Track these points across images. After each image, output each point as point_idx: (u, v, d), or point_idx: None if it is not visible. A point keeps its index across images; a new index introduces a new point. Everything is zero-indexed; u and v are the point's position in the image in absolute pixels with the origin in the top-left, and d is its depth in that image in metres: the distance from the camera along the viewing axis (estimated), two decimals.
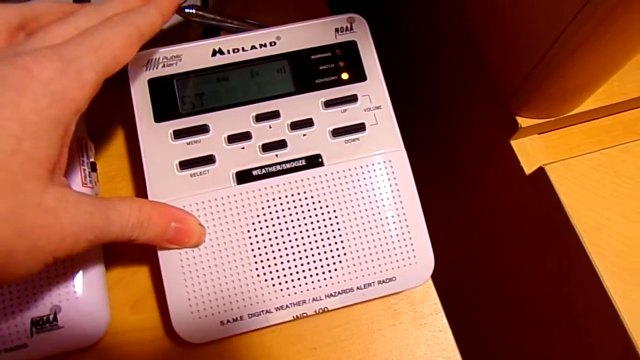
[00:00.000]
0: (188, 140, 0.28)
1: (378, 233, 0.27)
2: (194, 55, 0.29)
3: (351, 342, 0.29)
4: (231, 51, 0.29)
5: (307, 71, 0.29)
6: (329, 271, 0.27)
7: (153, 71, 0.28)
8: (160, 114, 0.28)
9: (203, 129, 0.28)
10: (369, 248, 0.27)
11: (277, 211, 0.27)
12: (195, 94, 0.28)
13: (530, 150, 0.35)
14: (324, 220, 0.27)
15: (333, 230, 0.27)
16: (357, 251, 0.27)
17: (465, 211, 0.46)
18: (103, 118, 0.32)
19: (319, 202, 0.27)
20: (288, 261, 0.26)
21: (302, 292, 0.26)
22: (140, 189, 0.29)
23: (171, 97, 0.28)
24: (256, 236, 0.27)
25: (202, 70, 0.29)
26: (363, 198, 0.28)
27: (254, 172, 0.27)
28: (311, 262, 0.27)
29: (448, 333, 0.29)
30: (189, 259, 0.26)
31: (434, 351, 0.29)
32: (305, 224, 0.27)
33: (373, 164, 0.28)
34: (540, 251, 0.35)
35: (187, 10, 0.30)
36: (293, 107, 0.28)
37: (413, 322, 0.29)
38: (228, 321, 0.26)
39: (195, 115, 0.28)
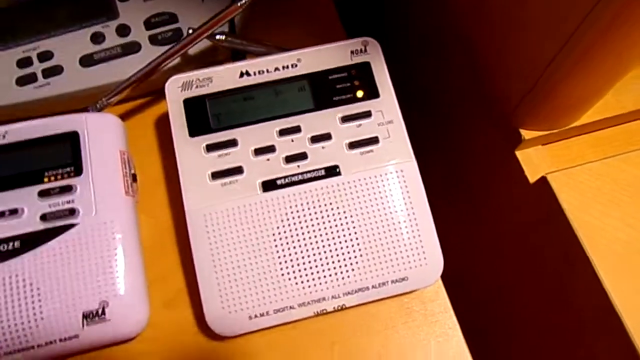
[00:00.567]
0: (219, 153, 0.31)
1: (391, 236, 0.30)
2: (224, 77, 0.32)
3: (368, 338, 0.31)
4: (257, 73, 0.32)
5: (325, 90, 0.32)
6: (346, 271, 0.29)
7: (188, 92, 0.32)
8: (194, 130, 0.31)
9: (232, 143, 0.31)
10: (383, 250, 0.30)
11: (299, 216, 0.30)
12: (225, 112, 0.32)
13: (535, 160, 0.37)
14: (341, 224, 0.30)
15: (350, 234, 0.30)
16: (372, 253, 0.30)
17: (474, 217, 0.48)
18: (143, 134, 0.35)
19: (337, 208, 0.30)
20: (309, 261, 0.29)
21: (322, 290, 0.29)
22: (177, 197, 0.32)
23: (204, 115, 0.31)
24: (280, 239, 0.29)
25: (231, 90, 0.32)
26: (377, 204, 0.30)
27: (278, 182, 0.30)
28: (330, 262, 0.29)
29: (457, 330, 0.32)
30: (221, 260, 0.29)
31: (444, 347, 0.31)
32: (325, 228, 0.30)
33: (386, 174, 0.31)
34: (544, 255, 0.37)
35: (218, 37, 0.33)
36: (313, 122, 0.31)
37: (424, 319, 0.32)
38: (255, 316, 0.29)
39: (225, 130, 0.31)
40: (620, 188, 0.33)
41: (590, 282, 0.31)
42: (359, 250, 0.30)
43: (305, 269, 0.29)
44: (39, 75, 0.33)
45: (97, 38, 0.33)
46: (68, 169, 0.30)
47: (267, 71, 0.32)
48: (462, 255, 0.51)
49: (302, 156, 0.31)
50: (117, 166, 0.31)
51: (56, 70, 0.33)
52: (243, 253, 0.29)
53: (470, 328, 0.34)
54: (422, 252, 0.30)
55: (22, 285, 0.28)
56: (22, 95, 0.33)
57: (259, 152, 0.31)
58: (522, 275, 0.42)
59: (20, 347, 0.27)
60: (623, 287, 0.31)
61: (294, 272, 0.29)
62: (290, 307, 0.29)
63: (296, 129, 0.31)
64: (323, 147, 0.31)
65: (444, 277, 0.32)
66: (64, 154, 0.30)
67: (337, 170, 0.31)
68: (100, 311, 0.28)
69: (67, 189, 0.29)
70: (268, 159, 0.31)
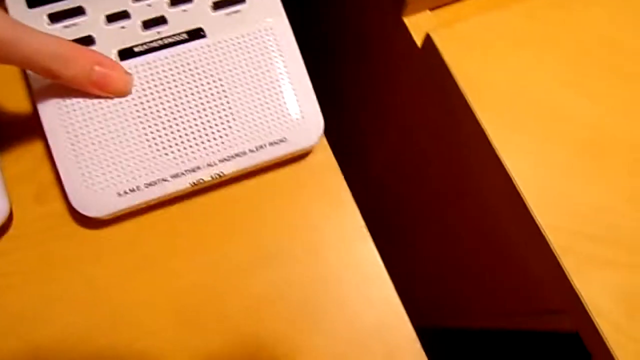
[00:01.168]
0: (65, 23, 0.27)
1: (264, 97, 0.28)
2: None
3: (258, 212, 0.30)
4: None
5: None
6: (220, 137, 0.28)
7: None
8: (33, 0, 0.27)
9: (79, 11, 0.27)
10: (257, 112, 0.28)
11: (162, 83, 0.27)
12: None
13: (422, 26, 0.36)
14: (210, 89, 0.28)
15: (220, 98, 0.28)
16: (246, 116, 0.28)
17: (372, 89, 0.47)
18: None
19: (204, 72, 0.28)
20: (178, 130, 0.27)
21: (195, 158, 0.27)
22: (26, 78, 0.29)
23: None
24: (144, 108, 0.27)
25: None
26: (247, 65, 0.28)
27: (136, 49, 0.28)
28: (201, 129, 0.27)
29: (348, 193, 0.31)
30: (78, 136, 0.26)
31: (338, 213, 0.31)
32: (192, 94, 0.28)
33: (255, 32, 0.29)
34: (435, 117, 0.38)
35: None
36: None
37: (315, 188, 0.31)
38: (125, 192, 0.27)
39: None
40: (499, 37, 0.33)
41: (477, 135, 0.32)
42: (232, 114, 0.28)
43: (175, 138, 0.27)
44: None
45: None
46: None
47: None
48: (359, 128, 0.51)
49: (162, 20, 0.28)
50: None
51: None
52: (103, 127, 0.27)
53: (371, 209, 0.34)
54: (299, 111, 0.29)
55: None
56: None
57: (111, 19, 0.28)
58: (422, 144, 0.43)
59: None
60: (504, 134, 0.31)
61: (162, 142, 0.27)
62: (163, 180, 0.27)
63: None
64: (184, 10, 0.28)
65: (341, 147, 0.31)
66: None
67: (202, 33, 0.28)
68: None
69: None
70: (123, 27, 0.28)
